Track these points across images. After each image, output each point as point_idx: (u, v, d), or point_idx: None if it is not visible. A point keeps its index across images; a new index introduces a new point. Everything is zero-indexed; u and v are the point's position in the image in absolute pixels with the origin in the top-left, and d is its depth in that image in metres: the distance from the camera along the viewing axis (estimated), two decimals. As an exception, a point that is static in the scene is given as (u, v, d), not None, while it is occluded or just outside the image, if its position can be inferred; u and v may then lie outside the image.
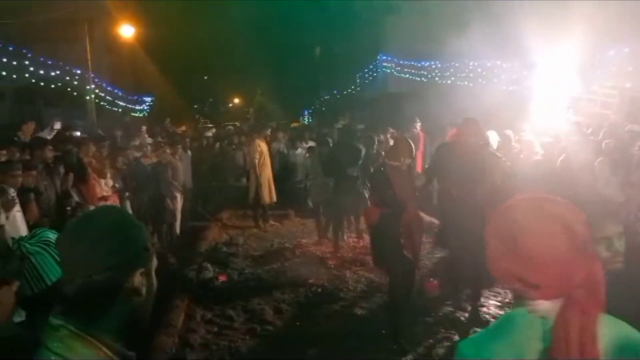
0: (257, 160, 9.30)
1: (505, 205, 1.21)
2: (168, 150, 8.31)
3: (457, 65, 14.32)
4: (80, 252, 1.08)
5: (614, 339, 1.14)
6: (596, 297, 1.15)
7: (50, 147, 6.01)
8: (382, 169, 4.87)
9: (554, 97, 9.13)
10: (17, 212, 4.53)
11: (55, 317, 1.09)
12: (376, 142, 8.87)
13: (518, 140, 8.52)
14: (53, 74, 13.47)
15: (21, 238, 1.85)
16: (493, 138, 8.50)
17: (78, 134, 9.06)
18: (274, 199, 9.67)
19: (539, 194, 1.20)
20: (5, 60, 11.61)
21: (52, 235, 1.84)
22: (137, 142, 9.34)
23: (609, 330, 1.15)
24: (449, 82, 14.79)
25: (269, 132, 10.83)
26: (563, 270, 1.11)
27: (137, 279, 1.12)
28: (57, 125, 9.48)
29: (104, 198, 6.37)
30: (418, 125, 11.13)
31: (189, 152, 10.42)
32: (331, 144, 9.01)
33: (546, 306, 1.16)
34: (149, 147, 8.91)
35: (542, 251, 1.11)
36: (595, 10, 7.59)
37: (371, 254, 5.18)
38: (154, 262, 1.20)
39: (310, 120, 32.73)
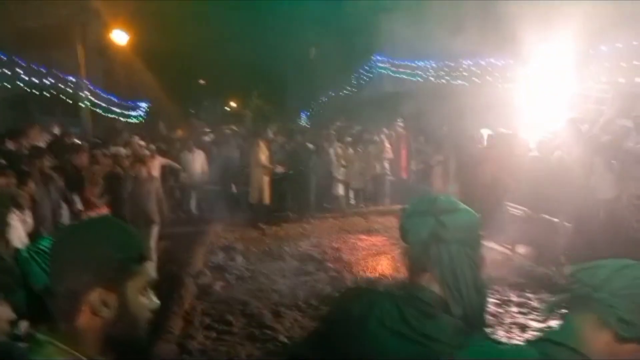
0: (263, 162, 9.67)
1: None
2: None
3: (451, 64, 14.33)
4: (55, 261, 1.10)
5: None
6: None
7: (48, 157, 5.96)
8: None
9: (548, 94, 9.15)
10: (15, 222, 4.49)
11: (41, 332, 1.07)
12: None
13: (513, 137, 8.56)
14: (47, 81, 13.45)
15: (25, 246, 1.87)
16: (486, 135, 8.57)
17: (77, 141, 9.02)
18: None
19: None
20: (-2, 69, 11.63)
21: (46, 242, 1.84)
22: (128, 152, 9.23)
23: None
24: (443, 81, 14.80)
25: (270, 134, 10.94)
26: None
27: (94, 297, 1.05)
28: (56, 130, 9.49)
29: (96, 206, 6.36)
30: (400, 124, 11.51)
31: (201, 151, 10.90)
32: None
33: None
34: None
35: None
36: (588, 6, 7.59)
37: None
38: (137, 283, 1.11)
39: (308, 122, 32.69)
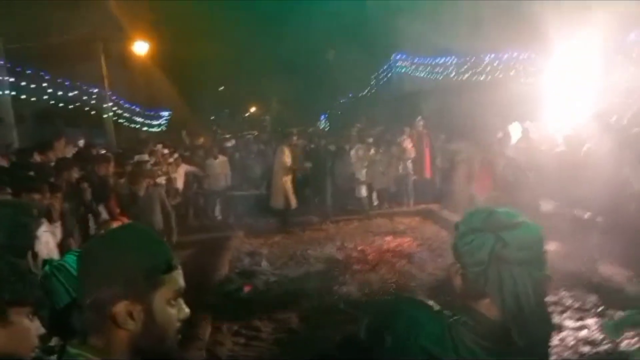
0: (288, 166, 9.60)
1: None
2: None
3: (472, 60, 14.17)
4: (82, 273, 1.09)
5: None
6: None
7: (76, 168, 6.05)
8: None
9: (574, 87, 8.94)
10: (44, 232, 4.52)
11: (72, 346, 1.07)
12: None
13: (539, 131, 8.39)
14: (71, 94, 13.77)
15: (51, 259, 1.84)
16: (515, 131, 8.40)
17: (103, 151, 9.18)
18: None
19: None
20: (24, 83, 11.91)
21: (69, 257, 1.81)
22: (152, 160, 9.30)
23: None
24: (464, 77, 14.65)
25: (294, 139, 10.80)
26: None
27: (120, 309, 1.03)
28: (80, 142, 9.69)
29: (123, 214, 6.43)
30: (421, 123, 11.35)
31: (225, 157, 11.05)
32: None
33: None
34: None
35: None
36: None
37: None
38: (165, 293, 1.08)
39: (327, 124, 32.74)
